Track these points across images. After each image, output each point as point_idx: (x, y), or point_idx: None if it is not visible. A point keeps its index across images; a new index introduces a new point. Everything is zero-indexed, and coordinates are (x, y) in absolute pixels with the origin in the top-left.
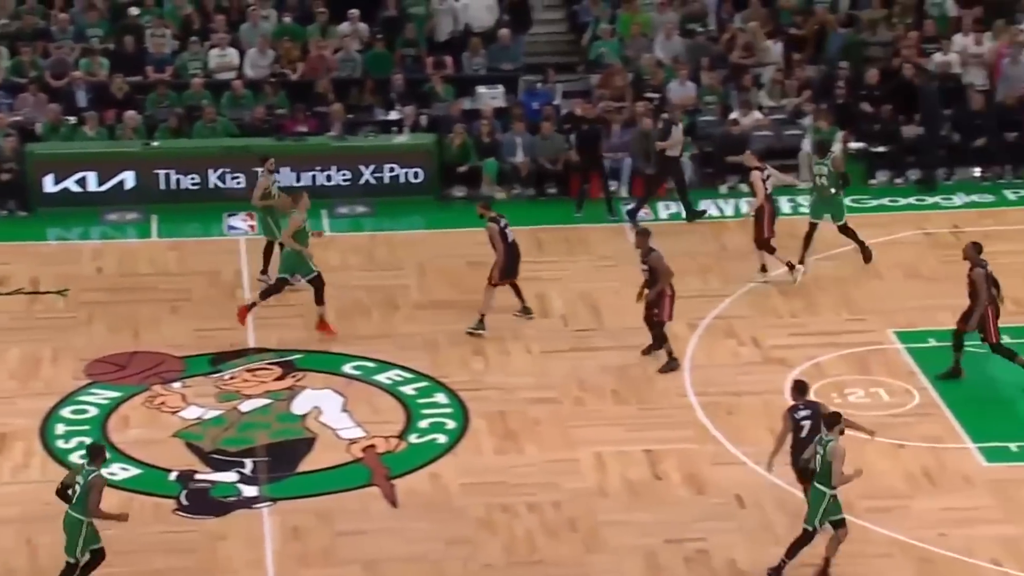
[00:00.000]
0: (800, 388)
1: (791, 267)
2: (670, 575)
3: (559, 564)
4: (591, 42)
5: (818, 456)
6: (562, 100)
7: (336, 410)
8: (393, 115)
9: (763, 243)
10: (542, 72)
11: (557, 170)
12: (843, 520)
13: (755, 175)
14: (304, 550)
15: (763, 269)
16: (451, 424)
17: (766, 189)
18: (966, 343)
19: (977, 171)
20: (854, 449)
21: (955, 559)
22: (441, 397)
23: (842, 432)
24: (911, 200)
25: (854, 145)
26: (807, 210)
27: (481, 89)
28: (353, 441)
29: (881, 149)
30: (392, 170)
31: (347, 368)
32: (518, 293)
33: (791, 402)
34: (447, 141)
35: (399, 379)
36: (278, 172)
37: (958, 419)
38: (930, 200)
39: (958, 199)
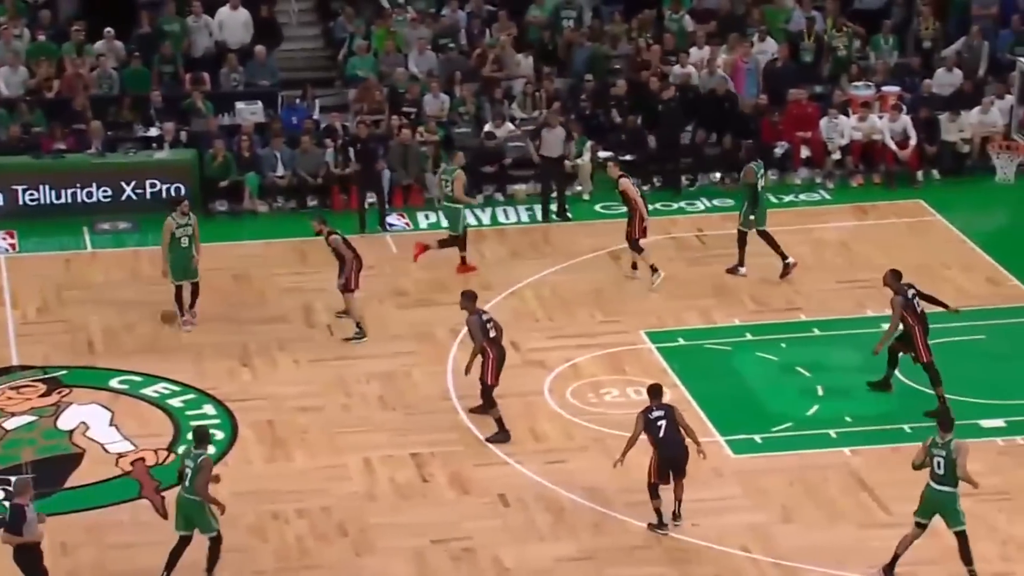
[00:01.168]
0: (654, 391)
1: (654, 269)
2: (438, 574)
3: (329, 567)
4: (347, 57)
5: (938, 459)
6: (320, 115)
7: (103, 424)
8: (153, 131)
9: (634, 243)
10: (300, 87)
11: (318, 183)
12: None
13: (624, 182)
14: (74, 565)
15: (633, 267)
16: (220, 435)
17: (637, 191)
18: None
19: (717, 176)
20: (617, 446)
21: (708, 548)
22: (209, 408)
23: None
24: (657, 206)
25: (602, 154)
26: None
27: (240, 105)
28: (121, 455)
29: (628, 157)
30: (154, 186)
31: (114, 383)
32: (348, 306)
33: (648, 404)
34: (207, 156)
35: (166, 392)
36: (190, 216)
37: (707, 414)
38: (675, 205)
39: (701, 204)
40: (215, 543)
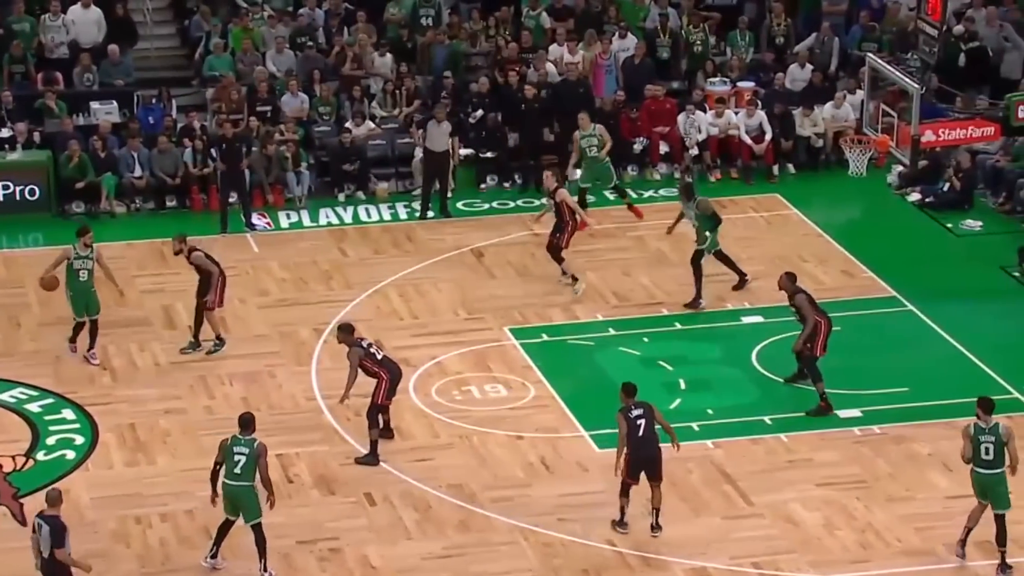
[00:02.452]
0: (628, 390)
1: (574, 279)
2: (305, 575)
3: (194, 571)
4: (204, 56)
5: (986, 445)
6: (178, 114)
7: None
8: (5, 132)
9: (556, 251)
10: (156, 87)
11: (176, 184)
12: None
13: (562, 193)
14: None
15: (572, 279)
16: (79, 439)
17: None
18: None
19: (577, 172)
20: (483, 443)
21: (574, 542)
22: (68, 413)
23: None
24: (519, 203)
25: (463, 152)
26: None
27: (95, 105)
28: None
29: (489, 155)
30: (7, 188)
31: None
32: (209, 321)
33: (623, 404)
34: (63, 158)
35: (24, 397)
36: (93, 248)
37: (571, 409)
38: (536, 202)
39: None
40: (259, 529)
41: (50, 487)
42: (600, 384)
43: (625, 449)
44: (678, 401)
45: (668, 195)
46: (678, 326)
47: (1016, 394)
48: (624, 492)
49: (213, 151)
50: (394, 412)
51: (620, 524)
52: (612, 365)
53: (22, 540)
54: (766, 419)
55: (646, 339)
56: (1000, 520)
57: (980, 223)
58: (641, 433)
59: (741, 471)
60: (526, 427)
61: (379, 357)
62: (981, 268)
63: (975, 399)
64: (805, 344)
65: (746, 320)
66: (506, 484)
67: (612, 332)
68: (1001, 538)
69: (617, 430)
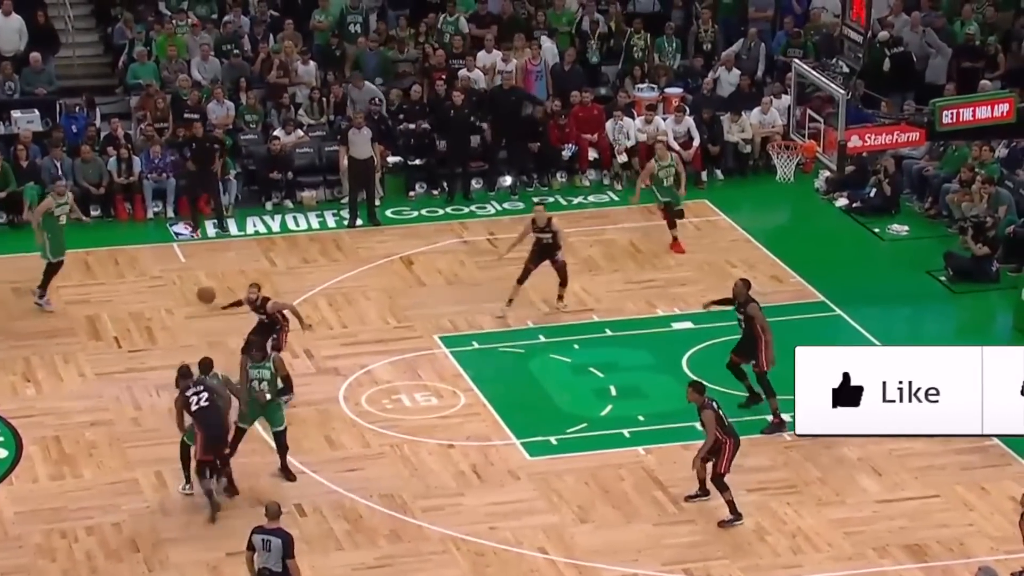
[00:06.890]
0: (699, 388)
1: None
2: None
3: None
4: (127, 64)
5: None
6: (101, 123)
7: None
8: None
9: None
10: (79, 95)
11: (100, 193)
12: None
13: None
14: None
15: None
16: (3, 453)
17: None
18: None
19: (508, 180)
20: (414, 452)
21: (505, 551)
22: None
23: None
24: (448, 210)
25: (392, 159)
26: None
27: (16, 113)
28: None
29: (418, 162)
30: None
31: None
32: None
33: (701, 402)
34: None
35: None
36: None
37: (502, 417)
38: (466, 209)
39: (491, 207)
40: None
41: (269, 501)
42: (531, 391)
43: (729, 442)
44: (609, 408)
45: (597, 201)
46: (608, 332)
47: None
48: (724, 487)
49: (186, 150)
50: (323, 422)
51: (735, 517)
52: (543, 372)
53: None
54: (697, 425)
55: (577, 346)
56: None
57: (907, 227)
58: (727, 423)
59: (672, 477)
60: (457, 435)
61: None
62: (908, 272)
63: None
64: (769, 362)
65: (676, 326)
66: (437, 493)
67: (543, 339)
68: None
69: (705, 429)
